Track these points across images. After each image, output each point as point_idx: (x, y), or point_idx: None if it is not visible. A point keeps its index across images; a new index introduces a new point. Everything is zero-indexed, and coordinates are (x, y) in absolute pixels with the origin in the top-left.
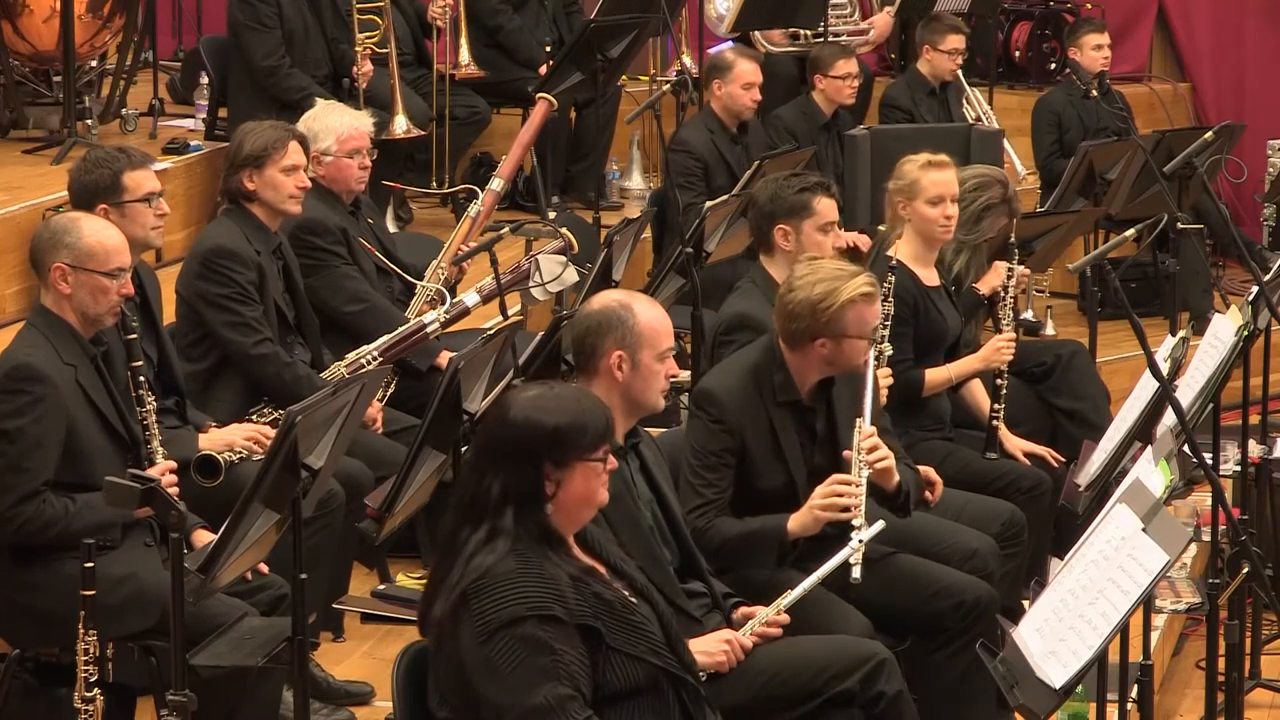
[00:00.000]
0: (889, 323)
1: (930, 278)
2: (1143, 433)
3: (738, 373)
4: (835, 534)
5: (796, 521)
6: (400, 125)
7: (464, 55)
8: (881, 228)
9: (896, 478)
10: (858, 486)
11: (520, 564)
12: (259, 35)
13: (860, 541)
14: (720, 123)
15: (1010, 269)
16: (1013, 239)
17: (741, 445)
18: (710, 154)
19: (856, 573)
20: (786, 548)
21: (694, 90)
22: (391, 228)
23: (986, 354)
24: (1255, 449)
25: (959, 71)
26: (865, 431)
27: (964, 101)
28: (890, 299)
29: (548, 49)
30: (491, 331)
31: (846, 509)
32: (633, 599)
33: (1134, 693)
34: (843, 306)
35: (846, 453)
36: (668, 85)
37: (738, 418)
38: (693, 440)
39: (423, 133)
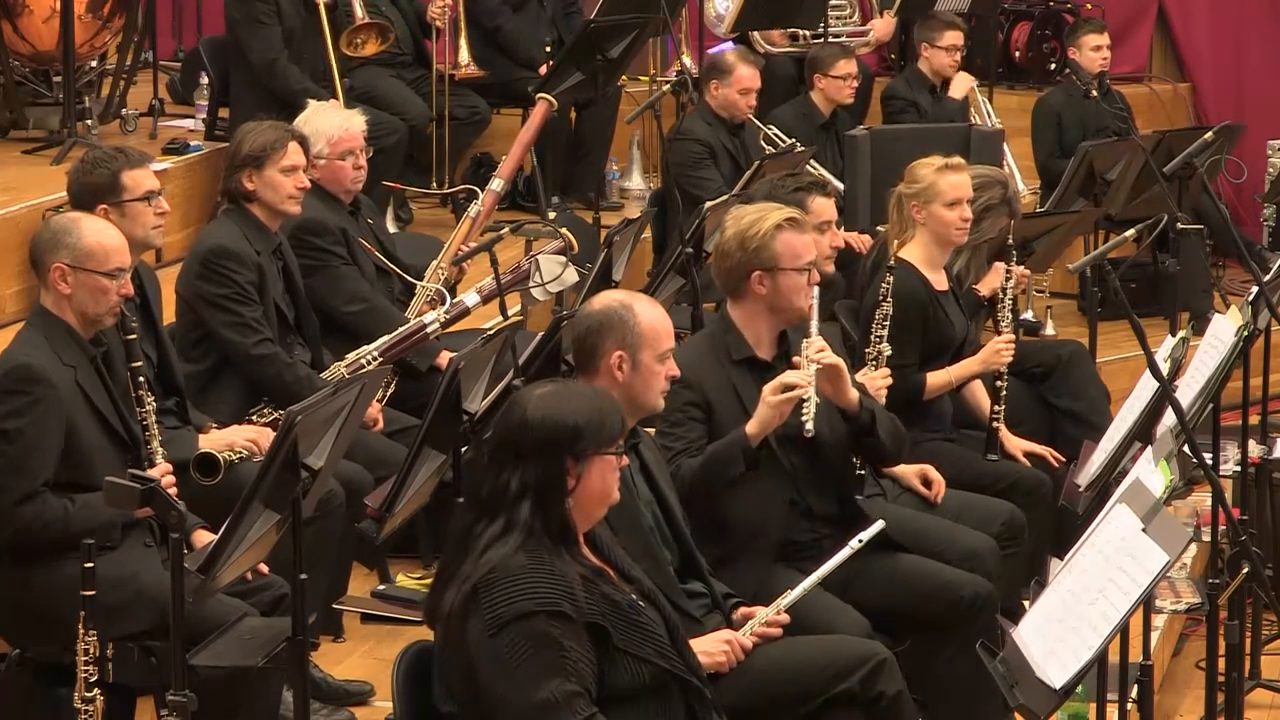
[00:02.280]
0: (887, 323)
1: (940, 281)
2: (1143, 433)
3: (694, 342)
4: (834, 535)
5: (754, 423)
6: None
7: (464, 55)
8: (881, 228)
9: (853, 394)
10: (808, 376)
11: (531, 560)
12: (258, 32)
13: (860, 541)
14: (718, 118)
15: (1008, 270)
16: (1010, 241)
17: (706, 403)
18: (714, 141)
19: (810, 425)
20: (751, 452)
21: (694, 90)
22: (391, 228)
23: (985, 356)
24: (1255, 449)
25: (974, 83)
26: (812, 342)
27: (971, 109)
28: (888, 300)
29: (548, 49)
30: (491, 331)
31: (792, 387)
32: (640, 602)
33: (1134, 693)
34: (769, 234)
35: (796, 359)
36: (668, 85)
37: (697, 377)
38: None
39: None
